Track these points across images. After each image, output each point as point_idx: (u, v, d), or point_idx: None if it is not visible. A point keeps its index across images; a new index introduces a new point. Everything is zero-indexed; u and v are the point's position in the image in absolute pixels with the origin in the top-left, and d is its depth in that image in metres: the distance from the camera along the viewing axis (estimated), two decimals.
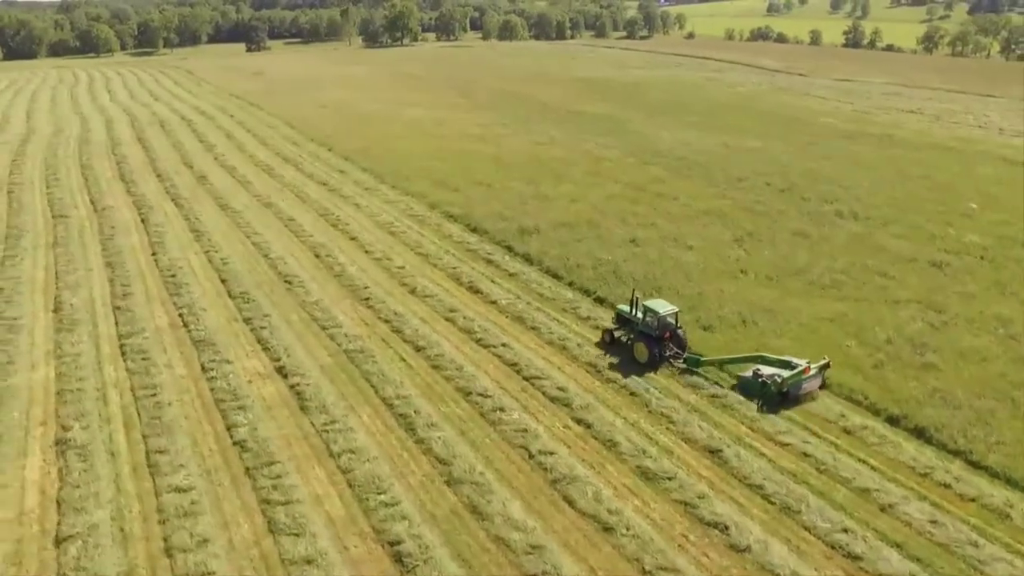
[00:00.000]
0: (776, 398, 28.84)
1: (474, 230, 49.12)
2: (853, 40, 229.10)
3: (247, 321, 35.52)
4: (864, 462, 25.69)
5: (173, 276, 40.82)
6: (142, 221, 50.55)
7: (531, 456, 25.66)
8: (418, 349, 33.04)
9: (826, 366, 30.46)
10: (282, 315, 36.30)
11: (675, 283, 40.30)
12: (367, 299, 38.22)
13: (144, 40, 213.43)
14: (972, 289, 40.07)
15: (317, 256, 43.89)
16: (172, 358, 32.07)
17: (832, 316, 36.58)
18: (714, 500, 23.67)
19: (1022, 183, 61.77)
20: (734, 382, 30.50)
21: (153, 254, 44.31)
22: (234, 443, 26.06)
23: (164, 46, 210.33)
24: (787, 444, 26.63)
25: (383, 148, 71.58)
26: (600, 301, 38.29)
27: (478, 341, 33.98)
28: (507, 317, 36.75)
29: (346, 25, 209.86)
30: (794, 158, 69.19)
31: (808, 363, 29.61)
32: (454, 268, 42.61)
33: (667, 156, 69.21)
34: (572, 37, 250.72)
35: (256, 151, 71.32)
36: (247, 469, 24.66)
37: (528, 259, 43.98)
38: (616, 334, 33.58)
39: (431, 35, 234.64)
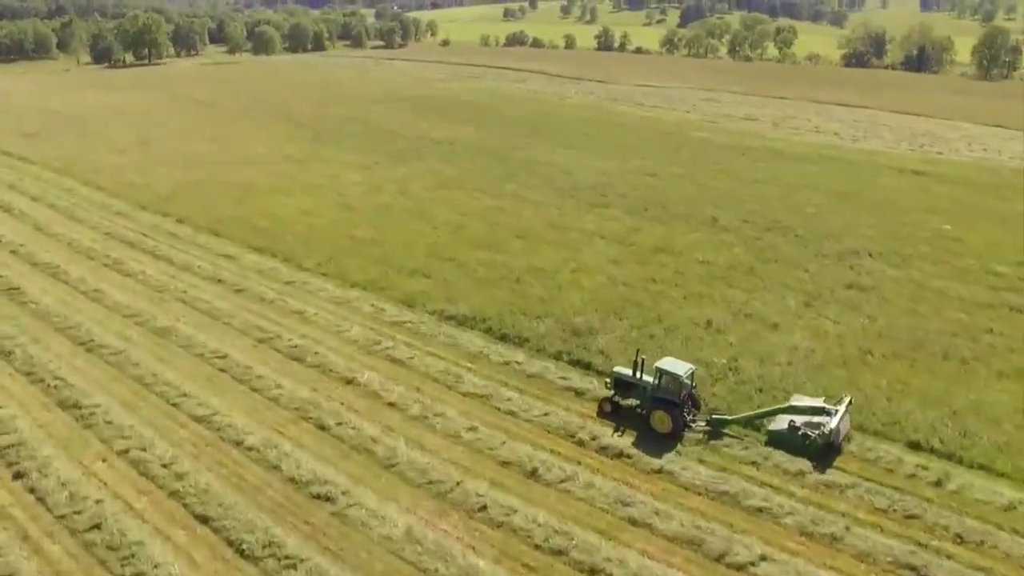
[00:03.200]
0: (822, 451, 26.21)
1: (503, 339, 34.49)
2: (605, 44, 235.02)
3: None
4: None
5: None
6: None
7: None
8: None
9: (850, 403, 28.05)
10: None
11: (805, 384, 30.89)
12: None
13: None
14: None
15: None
16: None
17: None
18: None
19: (948, 196, 60.13)
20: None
21: None
22: None
23: None
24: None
25: (257, 211, 52.51)
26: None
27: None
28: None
29: (73, 41, 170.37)
30: (729, 186, 61.88)
31: (837, 404, 27.46)
32: (572, 434, 28.03)
33: (606, 195, 58.27)
34: (326, 48, 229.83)
35: (74, 232, 48.50)
36: None
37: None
38: (618, 401, 28.68)
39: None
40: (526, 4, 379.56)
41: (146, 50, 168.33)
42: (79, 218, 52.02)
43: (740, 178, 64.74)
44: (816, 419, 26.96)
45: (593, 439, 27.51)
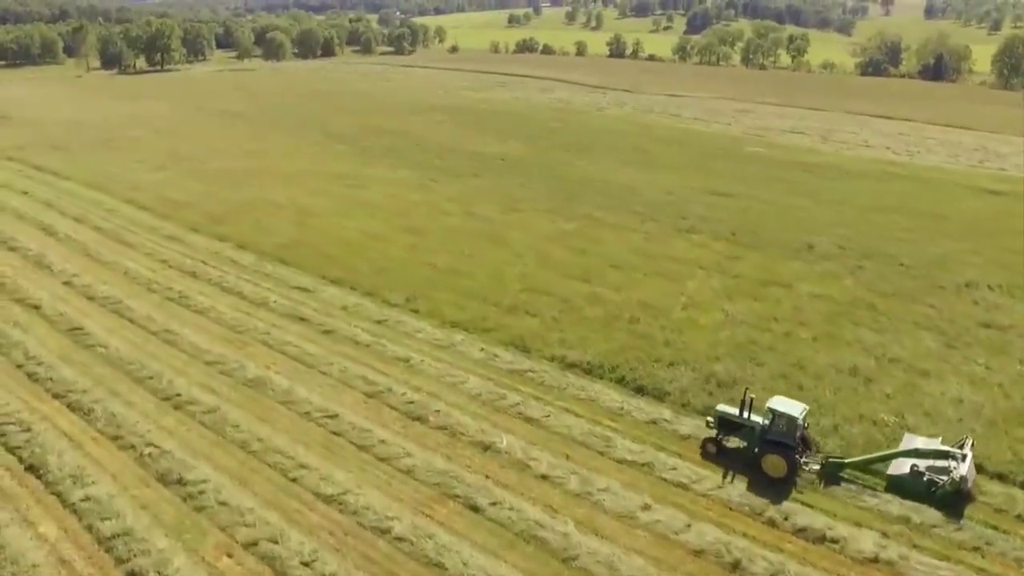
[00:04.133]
0: (951, 498, 24.09)
1: (640, 392, 30.56)
2: (617, 51, 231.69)
3: None
4: None
5: None
6: None
7: None
8: None
9: (972, 445, 25.81)
10: None
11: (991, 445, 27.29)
12: None
13: None
14: None
15: None
16: None
17: None
18: None
19: None
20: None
21: None
22: None
23: None
24: None
25: (320, 236, 48.48)
26: None
27: None
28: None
29: (82, 46, 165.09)
30: (807, 207, 58.12)
31: (958, 446, 25.36)
32: (759, 512, 24.29)
33: (686, 217, 54.34)
34: (336, 54, 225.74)
35: (127, 260, 44.24)
36: None
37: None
38: (724, 443, 26.64)
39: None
40: (531, 10, 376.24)
41: (159, 56, 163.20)
42: (129, 242, 47.82)
43: (815, 198, 61.08)
44: (940, 463, 24.89)
45: (786, 518, 23.74)
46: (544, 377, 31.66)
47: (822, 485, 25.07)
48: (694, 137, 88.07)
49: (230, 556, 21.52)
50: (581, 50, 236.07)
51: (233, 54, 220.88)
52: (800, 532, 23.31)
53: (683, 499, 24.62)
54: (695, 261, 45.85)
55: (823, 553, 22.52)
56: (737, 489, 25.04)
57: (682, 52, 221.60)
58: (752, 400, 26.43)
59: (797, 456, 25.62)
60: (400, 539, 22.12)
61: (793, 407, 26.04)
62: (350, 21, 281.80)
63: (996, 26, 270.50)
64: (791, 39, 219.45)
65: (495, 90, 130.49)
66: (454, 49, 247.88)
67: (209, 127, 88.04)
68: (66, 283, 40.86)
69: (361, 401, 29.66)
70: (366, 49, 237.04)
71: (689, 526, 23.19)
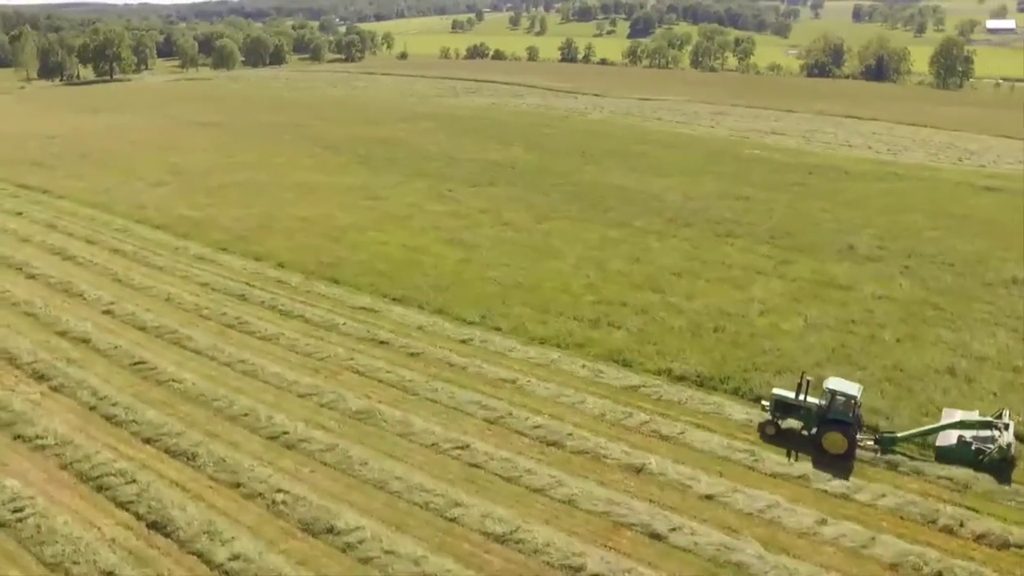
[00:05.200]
0: (998, 464, 25.57)
1: (759, 402, 29.58)
2: (569, 55, 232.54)
3: None
4: None
5: None
6: None
7: None
8: None
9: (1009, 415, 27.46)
10: None
11: None
12: None
13: None
14: None
15: None
16: None
17: None
18: None
19: None
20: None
21: None
22: None
23: None
24: None
25: (361, 251, 45.98)
26: None
27: None
28: None
29: (21, 55, 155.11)
30: (829, 209, 58.29)
31: (998, 416, 27.10)
32: (932, 519, 23.53)
33: (720, 222, 53.95)
34: (287, 62, 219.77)
35: (164, 284, 40.86)
36: None
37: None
38: (781, 424, 27.79)
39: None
40: (473, 16, 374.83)
41: (108, 65, 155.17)
42: (157, 265, 44.39)
43: (831, 200, 61.51)
44: (984, 433, 26.62)
45: (961, 525, 23.13)
46: (659, 392, 30.38)
47: (880, 458, 26.34)
48: (687, 140, 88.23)
49: None
50: (533, 55, 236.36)
51: (176, 62, 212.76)
52: (980, 539, 22.72)
53: (852, 510, 23.76)
54: (749, 266, 45.29)
55: (1014, 560, 21.94)
56: (900, 498, 24.30)
57: (633, 56, 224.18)
58: (809, 383, 27.47)
59: (854, 433, 26.72)
60: None
61: (850, 387, 27.44)
62: (294, 28, 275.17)
63: (921, 29, 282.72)
64: (737, 42, 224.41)
65: (469, 96, 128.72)
66: (403, 55, 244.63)
67: (192, 139, 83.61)
68: (106, 312, 37.43)
69: (484, 428, 27.77)
70: (316, 56, 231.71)
71: (873, 539, 22.33)
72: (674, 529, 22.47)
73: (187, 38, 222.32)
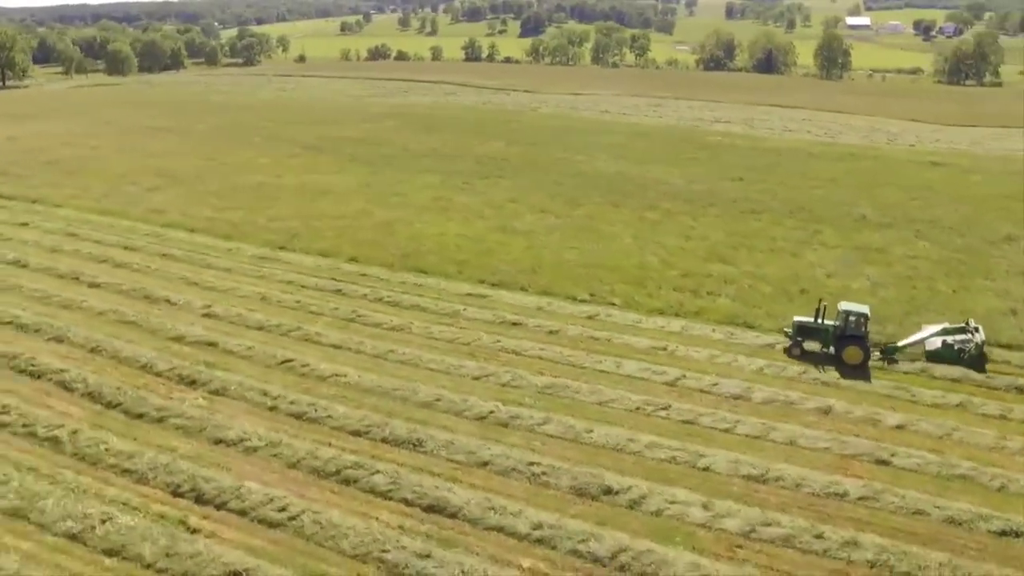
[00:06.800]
0: (977, 360, 31.28)
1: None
2: (473, 55, 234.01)
3: None
4: None
5: None
6: None
7: None
8: None
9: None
10: None
11: None
12: None
13: None
14: None
15: None
16: None
17: None
18: None
19: (994, 184, 64.86)
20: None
21: None
22: None
23: None
24: None
25: (421, 241, 45.67)
26: None
27: None
28: None
29: None
30: (816, 186, 62.73)
31: (967, 324, 32.88)
32: None
33: (736, 201, 57.46)
34: (186, 66, 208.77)
35: (251, 287, 39.22)
36: None
37: None
38: (802, 345, 32.42)
39: None
40: (361, 18, 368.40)
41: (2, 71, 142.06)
42: (222, 267, 42.03)
43: (813, 178, 66.24)
44: (961, 337, 32.10)
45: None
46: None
47: (886, 365, 31.42)
48: (649, 130, 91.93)
49: None
50: (437, 55, 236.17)
51: (56, 69, 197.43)
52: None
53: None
54: (788, 238, 48.66)
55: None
56: None
57: (536, 53, 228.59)
58: (825, 308, 32.26)
59: (868, 345, 31.36)
60: None
61: (860, 307, 32.15)
62: (179, 32, 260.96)
63: (791, 25, 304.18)
64: (634, 39, 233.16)
65: (404, 95, 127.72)
66: (302, 58, 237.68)
67: (155, 144, 78.62)
68: (207, 315, 35.61)
69: (669, 391, 28.88)
70: (212, 61, 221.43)
71: None
72: (894, 455, 24.89)
73: (65, 43, 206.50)
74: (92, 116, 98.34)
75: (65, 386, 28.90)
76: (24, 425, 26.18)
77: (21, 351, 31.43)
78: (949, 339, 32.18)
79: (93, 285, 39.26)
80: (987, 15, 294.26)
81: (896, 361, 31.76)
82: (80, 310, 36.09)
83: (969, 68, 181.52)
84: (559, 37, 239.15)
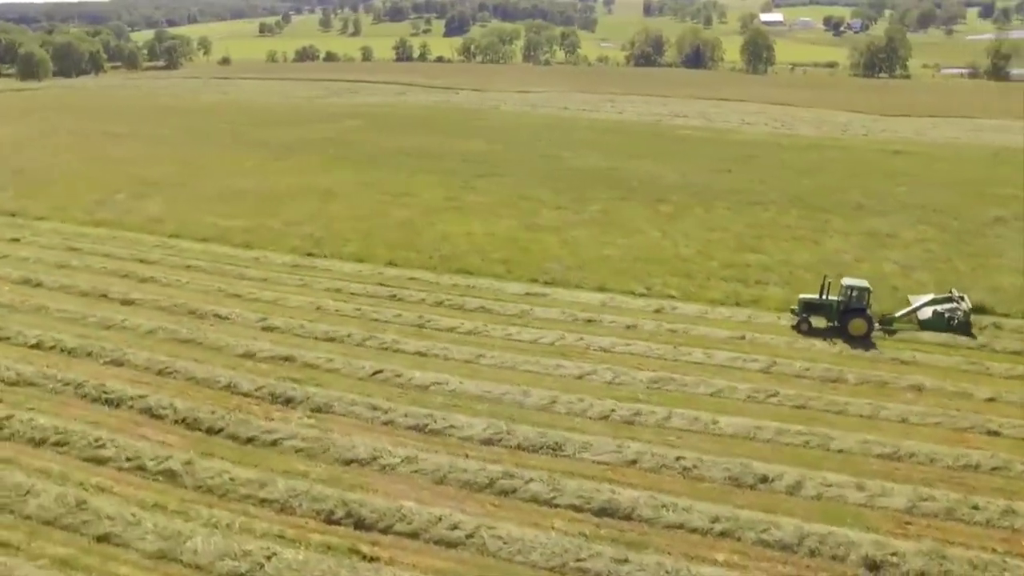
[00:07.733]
0: (964, 326, 33.66)
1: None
2: (404, 55, 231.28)
3: None
4: None
5: None
6: None
7: None
8: None
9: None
10: None
11: None
12: None
13: None
14: None
15: None
16: None
17: None
18: None
19: (959, 170, 68.85)
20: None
21: None
22: None
23: None
24: None
25: (471, 244, 44.72)
26: None
27: None
28: None
29: None
30: (795, 178, 64.91)
31: (951, 293, 35.40)
32: None
33: (734, 192, 59.02)
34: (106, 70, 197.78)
35: (301, 297, 37.41)
36: None
37: None
38: (812, 321, 33.78)
39: None
40: (280, 19, 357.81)
41: None
42: (257, 277, 39.80)
43: (792, 169, 68.71)
44: (948, 306, 34.40)
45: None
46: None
47: (885, 336, 33.48)
48: (617, 126, 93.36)
49: None
50: (367, 55, 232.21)
51: None
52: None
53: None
54: (802, 226, 50.29)
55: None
56: None
57: (467, 52, 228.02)
58: (829, 284, 33.69)
59: (871, 317, 33.10)
60: None
61: (861, 282, 33.83)
62: (88, 34, 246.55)
63: (708, 22, 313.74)
64: (564, 36, 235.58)
65: (353, 96, 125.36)
66: (226, 61, 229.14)
67: (120, 149, 73.92)
68: (266, 328, 33.73)
69: (767, 378, 29.41)
70: (132, 64, 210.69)
71: None
72: (1001, 426, 26.29)
73: None
74: (34, 122, 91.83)
75: (152, 413, 26.76)
76: (128, 459, 24.06)
77: (84, 377, 28.96)
78: (939, 308, 34.37)
79: (127, 302, 36.60)
80: (887, 12, 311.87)
81: (894, 332, 33.92)
82: (125, 329, 33.63)
83: (882, 62, 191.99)
84: (489, 35, 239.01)
